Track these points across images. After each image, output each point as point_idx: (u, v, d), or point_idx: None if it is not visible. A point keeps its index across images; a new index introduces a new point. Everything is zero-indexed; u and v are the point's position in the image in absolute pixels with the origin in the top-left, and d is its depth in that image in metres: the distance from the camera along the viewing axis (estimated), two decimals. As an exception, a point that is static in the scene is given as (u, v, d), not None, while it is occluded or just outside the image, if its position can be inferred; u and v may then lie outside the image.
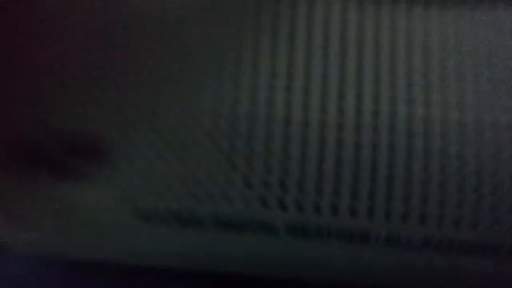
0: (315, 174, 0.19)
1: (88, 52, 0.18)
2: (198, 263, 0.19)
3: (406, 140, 0.19)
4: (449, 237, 0.19)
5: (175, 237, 0.19)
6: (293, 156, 0.19)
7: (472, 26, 0.20)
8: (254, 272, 0.19)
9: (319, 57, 0.19)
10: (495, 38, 0.19)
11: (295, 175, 0.19)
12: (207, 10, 0.19)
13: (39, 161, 0.18)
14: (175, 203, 0.19)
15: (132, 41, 0.19)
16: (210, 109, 0.19)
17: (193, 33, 0.19)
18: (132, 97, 0.18)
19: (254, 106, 0.19)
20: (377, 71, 0.19)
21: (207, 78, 0.19)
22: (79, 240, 0.20)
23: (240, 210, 0.19)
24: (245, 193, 0.19)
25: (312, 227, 0.19)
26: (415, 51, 0.19)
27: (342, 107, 0.19)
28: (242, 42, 0.19)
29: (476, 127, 0.19)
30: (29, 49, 0.19)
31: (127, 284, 0.21)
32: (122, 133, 0.18)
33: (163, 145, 0.19)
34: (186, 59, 0.19)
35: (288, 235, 0.19)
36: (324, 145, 0.19)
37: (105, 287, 0.21)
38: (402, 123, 0.19)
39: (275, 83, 0.19)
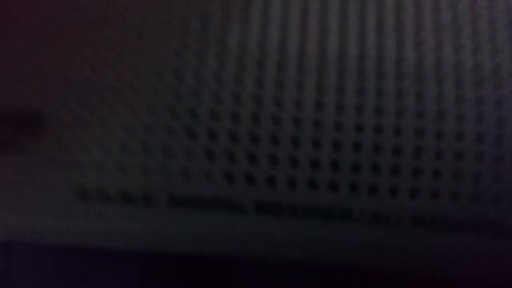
0: (290, 142, 0.17)
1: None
2: (152, 244, 0.17)
3: (395, 102, 0.17)
4: (437, 212, 0.17)
5: (120, 216, 0.16)
6: (264, 120, 0.17)
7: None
8: (217, 254, 0.17)
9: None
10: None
11: (266, 143, 0.17)
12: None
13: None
14: (122, 178, 0.16)
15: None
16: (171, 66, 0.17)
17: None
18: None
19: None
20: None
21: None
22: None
23: (201, 185, 0.16)
24: (206, 166, 0.16)
25: (285, 204, 0.16)
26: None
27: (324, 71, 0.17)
28: None
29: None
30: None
31: (71, 265, 0.18)
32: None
33: (107, 111, 0.16)
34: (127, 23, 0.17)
35: (257, 213, 0.16)
36: (302, 106, 0.17)
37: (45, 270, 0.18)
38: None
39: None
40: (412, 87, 0.17)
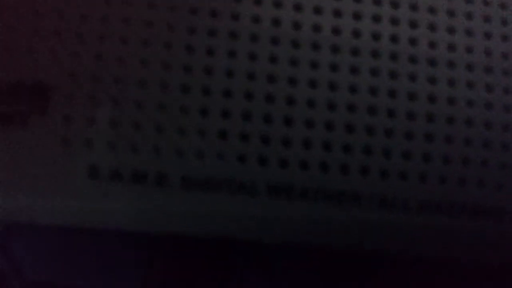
0: (303, 123, 0.17)
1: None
2: (162, 225, 0.16)
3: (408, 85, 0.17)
4: (446, 197, 0.17)
5: (132, 196, 0.16)
6: (278, 100, 0.17)
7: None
8: (228, 236, 0.17)
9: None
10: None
11: (279, 124, 0.16)
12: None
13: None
14: (134, 157, 0.15)
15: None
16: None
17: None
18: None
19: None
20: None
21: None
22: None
23: (213, 166, 0.16)
24: (219, 146, 0.16)
25: (297, 186, 0.16)
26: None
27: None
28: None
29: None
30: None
31: (78, 246, 0.18)
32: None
33: (118, 87, 0.16)
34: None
35: (269, 196, 0.16)
36: (316, 87, 0.17)
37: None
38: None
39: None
40: (426, 71, 0.17)
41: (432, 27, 0.18)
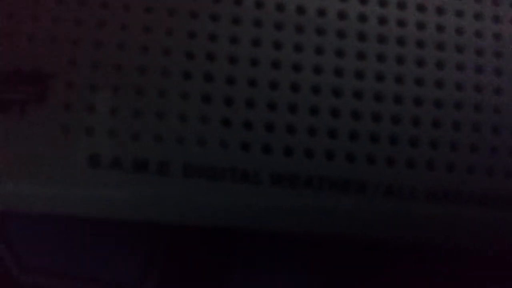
0: (308, 110, 0.16)
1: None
2: (164, 214, 0.16)
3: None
4: (454, 186, 0.17)
5: (133, 184, 0.15)
6: (282, 87, 0.16)
7: None
8: (231, 225, 0.16)
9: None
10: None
11: (283, 111, 0.16)
12: None
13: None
14: (136, 145, 0.15)
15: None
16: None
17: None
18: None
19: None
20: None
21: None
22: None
23: (216, 154, 0.16)
24: (222, 134, 0.16)
25: (302, 175, 0.16)
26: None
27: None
28: None
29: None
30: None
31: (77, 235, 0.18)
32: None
33: (119, 74, 0.15)
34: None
35: (273, 184, 0.16)
36: (321, 72, 0.17)
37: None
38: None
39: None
40: (434, 56, 0.17)
41: (440, 11, 0.17)
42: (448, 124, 0.17)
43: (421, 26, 0.17)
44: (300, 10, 0.17)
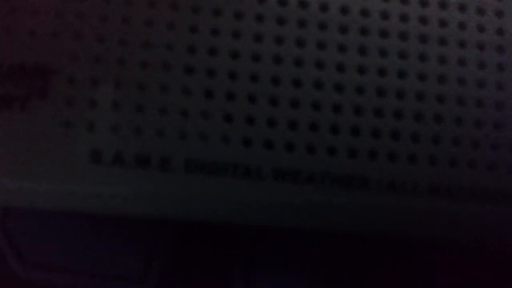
0: (310, 105, 0.16)
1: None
2: (166, 210, 0.16)
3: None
4: (456, 180, 0.17)
5: (135, 180, 0.15)
6: (284, 82, 0.16)
7: None
8: (233, 221, 0.16)
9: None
10: None
11: (285, 106, 0.16)
12: None
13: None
14: (137, 140, 0.15)
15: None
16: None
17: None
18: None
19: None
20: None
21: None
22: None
23: (218, 150, 0.16)
24: (224, 129, 0.16)
25: (304, 170, 0.16)
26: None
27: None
28: None
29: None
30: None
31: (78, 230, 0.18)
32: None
33: (121, 69, 0.15)
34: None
35: (275, 180, 0.16)
36: (323, 67, 0.16)
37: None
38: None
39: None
40: (437, 51, 0.17)
41: (442, 5, 0.17)
42: (450, 119, 0.17)
43: (423, 20, 0.17)
44: (303, 5, 0.17)
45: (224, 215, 0.16)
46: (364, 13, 0.17)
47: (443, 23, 0.17)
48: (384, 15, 0.17)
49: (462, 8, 0.17)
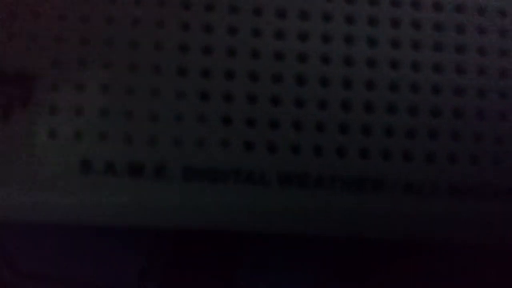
0: (316, 103, 0.15)
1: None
2: (163, 220, 0.15)
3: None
4: (477, 179, 0.15)
5: (128, 190, 0.14)
6: (286, 79, 0.15)
7: None
8: (235, 229, 0.15)
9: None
10: None
11: (289, 105, 0.15)
12: None
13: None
14: (129, 149, 0.14)
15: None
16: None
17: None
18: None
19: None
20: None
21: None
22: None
23: (217, 155, 0.15)
24: (223, 133, 0.15)
25: (311, 174, 0.15)
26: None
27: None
28: None
29: None
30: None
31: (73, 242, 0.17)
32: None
33: (107, 73, 0.14)
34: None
35: (280, 185, 0.15)
36: (329, 62, 0.15)
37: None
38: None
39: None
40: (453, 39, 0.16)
41: None
42: (470, 114, 0.15)
43: (439, 7, 0.16)
44: None
45: (227, 224, 0.15)
46: (373, 2, 0.16)
47: (460, 10, 0.16)
48: (395, 3, 0.16)
49: None
